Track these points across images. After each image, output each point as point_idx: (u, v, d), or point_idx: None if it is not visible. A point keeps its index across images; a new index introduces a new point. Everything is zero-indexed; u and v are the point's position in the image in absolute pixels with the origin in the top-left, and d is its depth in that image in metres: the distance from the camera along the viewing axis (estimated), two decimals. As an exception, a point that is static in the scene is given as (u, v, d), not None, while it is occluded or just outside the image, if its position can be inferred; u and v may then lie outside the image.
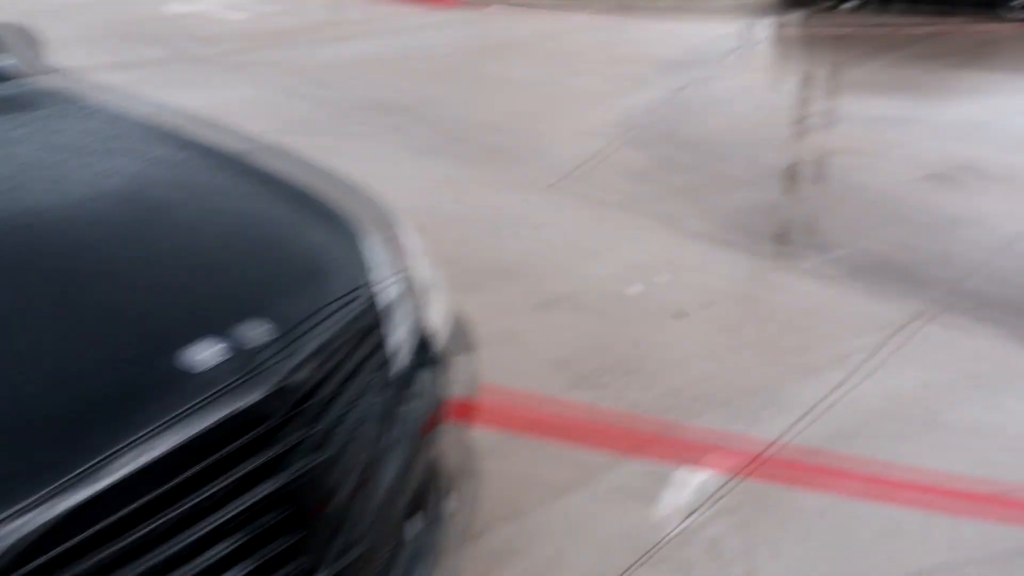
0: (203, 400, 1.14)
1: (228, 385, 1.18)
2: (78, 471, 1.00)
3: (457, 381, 1.76)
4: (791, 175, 5.26)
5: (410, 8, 12.61)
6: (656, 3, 11.72)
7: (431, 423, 1.69)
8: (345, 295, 1.51)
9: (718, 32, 9.87)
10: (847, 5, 10.88)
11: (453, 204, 4.79)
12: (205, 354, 1.20)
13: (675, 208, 4.72)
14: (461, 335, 1.86)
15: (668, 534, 2.22)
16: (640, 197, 4.89)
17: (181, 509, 1.08)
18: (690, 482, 2.38)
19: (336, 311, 1.46)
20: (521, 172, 5.36)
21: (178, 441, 1.09)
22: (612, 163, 5.52)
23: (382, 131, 6.34)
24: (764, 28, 10.22)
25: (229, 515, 1.13)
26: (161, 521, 1.06)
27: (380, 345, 1.56)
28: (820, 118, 6.46)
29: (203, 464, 1.11)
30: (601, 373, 2.95)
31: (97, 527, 1.00)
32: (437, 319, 1.75)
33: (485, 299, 3.58)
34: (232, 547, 1.14)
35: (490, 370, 3.01)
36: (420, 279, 1.73)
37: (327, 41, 10.12)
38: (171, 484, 1.08)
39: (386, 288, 1.60)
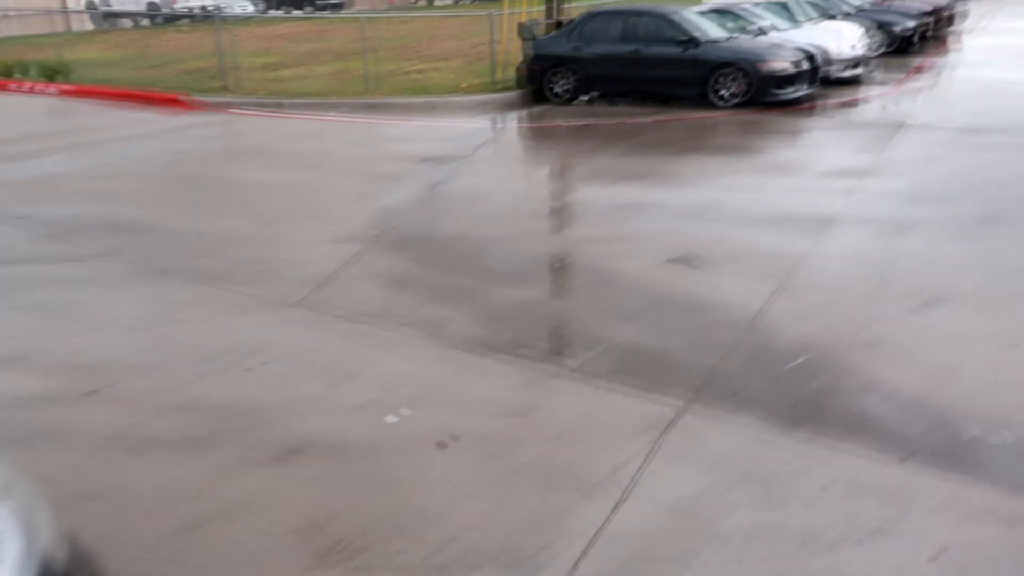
0: None
1: None
2: None
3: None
4: (549, 268, 5.24)
5: (144, 114, 11.66)
6: (404, 102, 11.84)
7: None
8: None
9: (467, 128, 10.09)
10: (581, 99, 11.70)
11: (183, 335, 4.15)
12: None
13: (436, 314, 4.45)
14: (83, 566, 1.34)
15: None
16: (398, 305, 4.57)
17: None
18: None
19: None
20: (266, 289, 4.84)
21: None
22: (368, 269, 5.18)
23: (103, 253, 5.51)
24: (509, 122, 10.64)
25: None
26: None
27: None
28: (568, 208, 6.64)
29: None
30: (355, 538, 2.49)
31: None
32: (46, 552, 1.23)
33: (215, 457, 3.00)
34: None
35: (211, 559, 2.45)
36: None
37: (43, 153, 8.94)
38: None
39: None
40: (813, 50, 11.59)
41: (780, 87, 10.43)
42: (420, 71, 14.84)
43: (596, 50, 11.24)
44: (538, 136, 9.88)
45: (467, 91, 12.40)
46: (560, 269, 5.23)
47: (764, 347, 3.95)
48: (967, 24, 24.12)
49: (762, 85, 10.32)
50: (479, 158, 8.41)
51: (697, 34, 10.77)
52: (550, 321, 4.41)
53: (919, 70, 14.24)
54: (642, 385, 3.59)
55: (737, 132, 9.39)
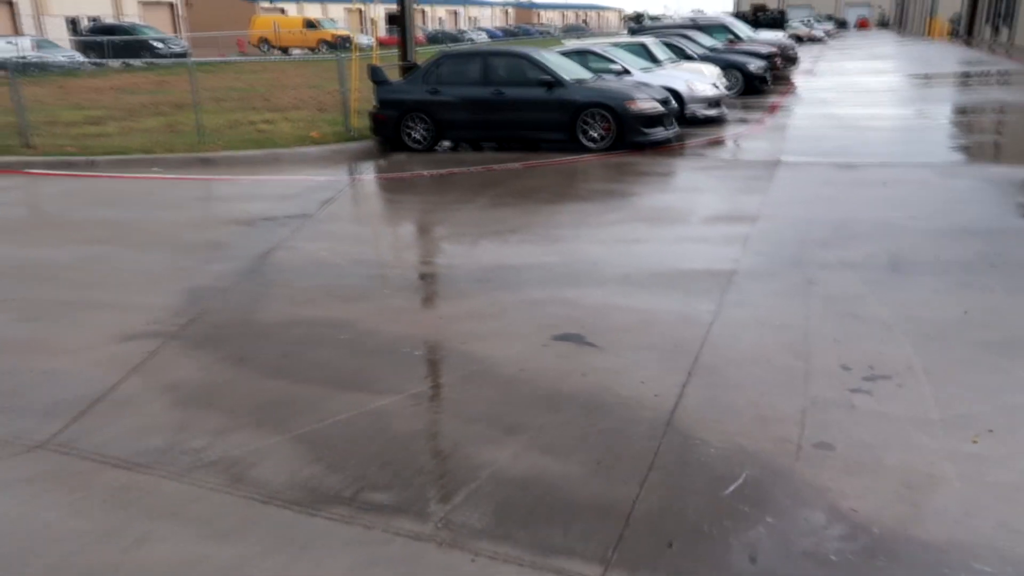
0: None
1: None
2: None
3: None
4: (406, 360, 4.06)
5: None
6: (245, 155, 10.43)
7: None
8: None
9: (314, 182, 8.86)
10: (444, 144, 10.75)
11: None
12: None
13: (247, 444, 3.20)
14: None
15: None
16: (195, 434, 3.29)
17: None
18: None
19: None
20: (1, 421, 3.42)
21: None
22: (159, 379, 3.85)
23: None
24: (363, 174, 9.50)
25: None
26: None
27: None
28: (431, 276, 5.54)
29: None
30: None
31: None
32: None
33: None
34: None
35: None
36: None
37: None
38: None
39: None
40: (680, 88, 11.24)
41: (650, 127, 9.90)
42: (267, 121, 13.47)
43: (455, 93, 10.35)
44: (395, 188, 8.77)
45: (318, 141, 11.18)
46: (421, 360, 4.08)
47: (690, 461, 2.98)
48: (804, 65, 25.34)
49: (631, 125, 9.74)
50: (324, 217, 7.19)
51: (562, 74, 10.11)
52: (406, 443, 3.25)
53: (775, 108, 14.33)
54: (537, 544, 2.51)
55: (612, 176, 8.68)
